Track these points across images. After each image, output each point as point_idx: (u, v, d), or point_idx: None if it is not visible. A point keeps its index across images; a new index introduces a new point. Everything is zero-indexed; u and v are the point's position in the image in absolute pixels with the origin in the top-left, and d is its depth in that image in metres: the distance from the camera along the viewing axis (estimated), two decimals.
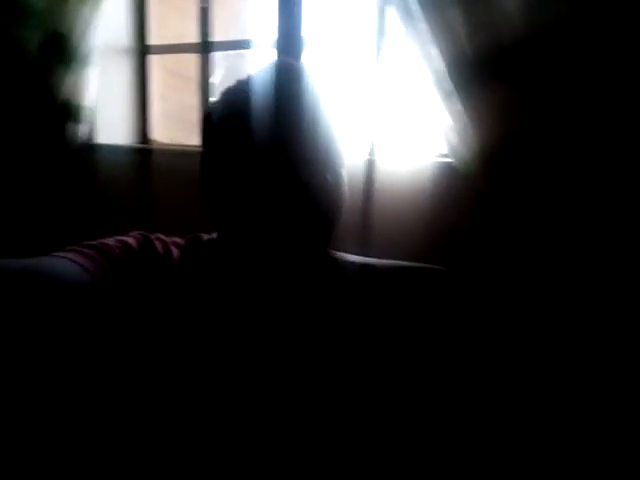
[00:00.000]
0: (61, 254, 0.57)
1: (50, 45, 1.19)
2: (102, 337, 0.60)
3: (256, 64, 0.62)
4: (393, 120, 1.14)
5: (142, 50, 1.54)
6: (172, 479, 0.61)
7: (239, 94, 0.59)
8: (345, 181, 0.63)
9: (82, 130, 1.35)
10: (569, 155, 0.81)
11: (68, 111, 1.30)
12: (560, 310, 0.86)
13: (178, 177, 1.27)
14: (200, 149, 0.63)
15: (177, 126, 1.91)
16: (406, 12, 0.93)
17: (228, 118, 0.58)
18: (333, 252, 0.71)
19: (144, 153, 1.40)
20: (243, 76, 0.61)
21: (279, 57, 0.58)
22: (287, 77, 0.58)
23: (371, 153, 1.09)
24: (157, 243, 0.66)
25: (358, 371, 0.62)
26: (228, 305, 0.63)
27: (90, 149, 1.40)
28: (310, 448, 0.61)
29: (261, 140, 0.55)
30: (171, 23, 1.77)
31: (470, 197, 0.94)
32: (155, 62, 1.57)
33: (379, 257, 0.73)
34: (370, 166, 1.05)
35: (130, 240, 0.64)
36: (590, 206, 0.81)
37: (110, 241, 0.63)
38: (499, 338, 0.70)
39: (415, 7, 0.90)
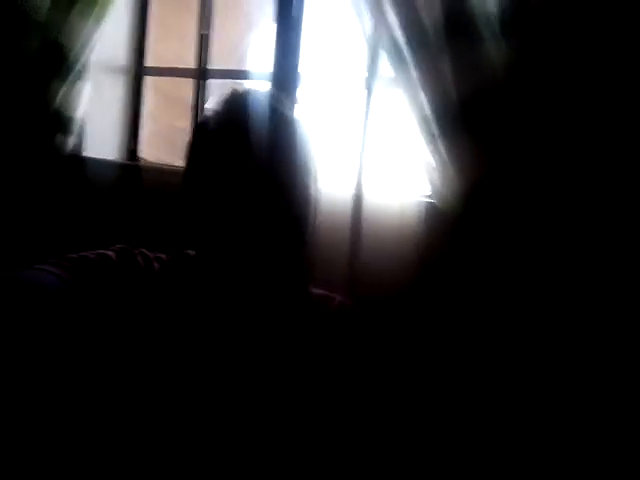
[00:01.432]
0: (39, 266, 0.58)
1: (47, 54, 1.21)
2: (71, 343, 0.61)
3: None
4: (380, 158, 1.18)
5: (138, 71, 1.56)
6: None
7: (227, 117, 0.62)
8: (316, 201, 0.67)
9: (71, 141, 1.35)
10: (547, 197, 0.85)
11: (59, 121, 1.30)
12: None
13: (166, 195, 1.28)
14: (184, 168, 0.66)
15: (165, 147, 1.92)
16: (397, 58, 0.98)
17: (211, 141, 0.61)
18: (304, 285, 0.74)
19: (132, 169, 1.40)
20: (232, 100, 0.64)
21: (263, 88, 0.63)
22: (270, 107, 0.62)
23: (358, 188, 1.13)
24: (138, 257, 0.67)
25: (304, 395, 0.65)
26: (199, 320, 0.65)
27: (78, 161, 1.39)
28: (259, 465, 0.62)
29: (242, 159, 0.58)
30: (169, 47, 1.81)
31: (452, 236, 0.98)
32: (147, 82, 1.60)
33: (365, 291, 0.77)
34: (357, 201, 1.08)
35: (110, 253, 0.65)
36: (570, 245, 0.86)
37: (90, 254, 0.64)
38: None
39: (406, 54, 0.96)
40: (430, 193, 1.04)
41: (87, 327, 0.61)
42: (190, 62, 1.47)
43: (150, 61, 1.58)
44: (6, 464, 0.62)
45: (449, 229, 0.98)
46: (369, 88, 1.15)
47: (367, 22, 1.03)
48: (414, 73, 0.95)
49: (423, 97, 0.94)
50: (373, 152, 1.15)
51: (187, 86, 1.49)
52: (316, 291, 0.74)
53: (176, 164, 1.50)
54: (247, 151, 0.58)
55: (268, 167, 0.58)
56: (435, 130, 0.93)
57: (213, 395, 0.62)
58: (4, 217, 1.27)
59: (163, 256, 0.71)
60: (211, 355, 0.64)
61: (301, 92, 1.21)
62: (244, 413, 0.62)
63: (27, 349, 0.56)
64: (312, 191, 0.65)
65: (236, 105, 0.62)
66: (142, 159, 1.57)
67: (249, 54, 1.58)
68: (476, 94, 0.88)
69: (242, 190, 0.58)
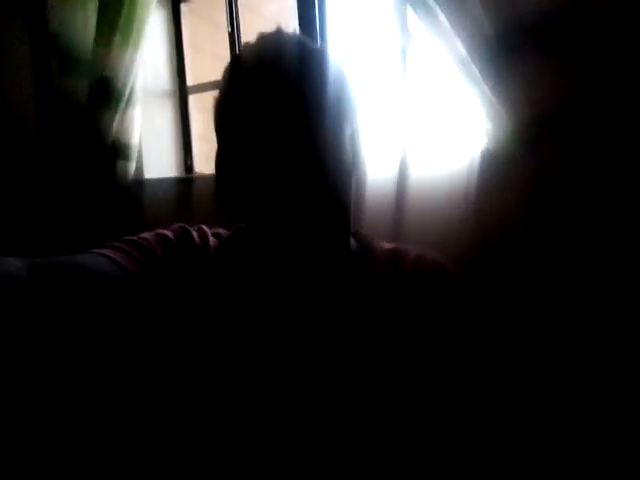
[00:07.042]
0: (97, 250, 0.59)
1: (97, 90, 1.29)
2: (133, 331, 0.61)
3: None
4: (424, 119, 1.13)
5: (182, 90, 1.63)
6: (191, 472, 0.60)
7: (259, 54, 0.59)
8: (364, 160, 0.62)
9: (130, 167, 1.43)
10: (615, 113, 0.75)
11: (117, 150, 1.39)
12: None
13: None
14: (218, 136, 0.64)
15: None
16: (423, 8, 0.93)
17: (245, 99, 0.59)
18: (361, 235, 0.69)
19: (189, 182, 1.46)
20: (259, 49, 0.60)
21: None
22: (307, 53, 0.59)
23: (403, 153, 1.08)
24: (195, 234, 0.66)
25: (378, 367, 0.60)
26: (257, 295, 0.63)
27: (139, 184, 1.48)
28: (323, 446, 0.59)
29: (280, 113, 0.55)
30: (205, 69, 1.88)
31: (515, 181, 0.89)
32: (196, 104, 1.65)
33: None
34: (403, 166, 1.04)
35: (168, 233, 0.65)
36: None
37: (148, 235, 0.64)
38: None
39: (432, 1, 0.90)
40: (481, 142, 0.96)
41: (151, 311, 0.60)
42: None
43: (190, 81, 1.64)
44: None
45: (510, 174, 0.90)
46: (403, 47, 1.12)
47: None
48: (442, 17, 0.89)
49: (457, 40, 0.89)
50: (415, 113, 1.10)
51: None
52: (387, 245, 0.70)
53: None
54: (280, 86, 0.55)
55: (301, 99, 0.55)
56: (475, 69, 0.86)
57: (290, 369, 0.60)
58: (75, 244, 1.36)
59: (222, 232, 0.71)
60: (272, 332, 0.61)
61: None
62: (323, 388, 0.60)
63: (77, 334, 0.56)
64: (353, 129, 0.61)
65: (269, 43, 0.59)
66: (197, 172, 1.63)
67: None
68: (510, 25, 0.81)
69: (276, 127, 0.55)
